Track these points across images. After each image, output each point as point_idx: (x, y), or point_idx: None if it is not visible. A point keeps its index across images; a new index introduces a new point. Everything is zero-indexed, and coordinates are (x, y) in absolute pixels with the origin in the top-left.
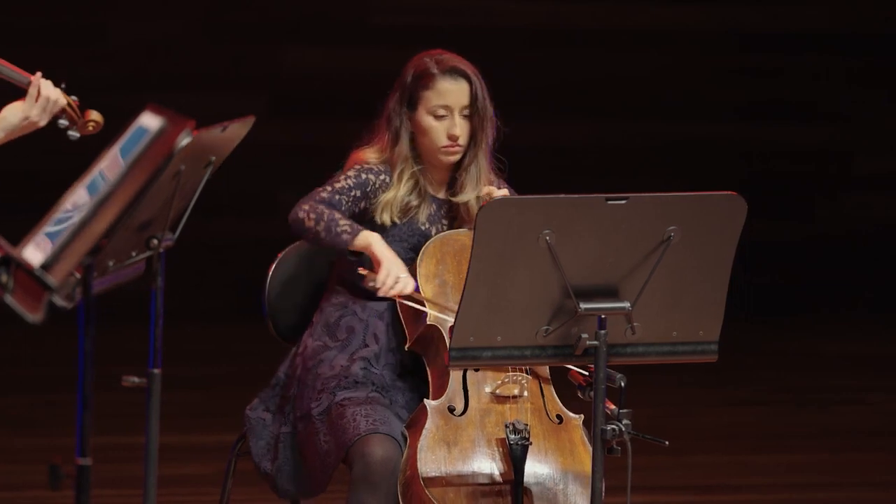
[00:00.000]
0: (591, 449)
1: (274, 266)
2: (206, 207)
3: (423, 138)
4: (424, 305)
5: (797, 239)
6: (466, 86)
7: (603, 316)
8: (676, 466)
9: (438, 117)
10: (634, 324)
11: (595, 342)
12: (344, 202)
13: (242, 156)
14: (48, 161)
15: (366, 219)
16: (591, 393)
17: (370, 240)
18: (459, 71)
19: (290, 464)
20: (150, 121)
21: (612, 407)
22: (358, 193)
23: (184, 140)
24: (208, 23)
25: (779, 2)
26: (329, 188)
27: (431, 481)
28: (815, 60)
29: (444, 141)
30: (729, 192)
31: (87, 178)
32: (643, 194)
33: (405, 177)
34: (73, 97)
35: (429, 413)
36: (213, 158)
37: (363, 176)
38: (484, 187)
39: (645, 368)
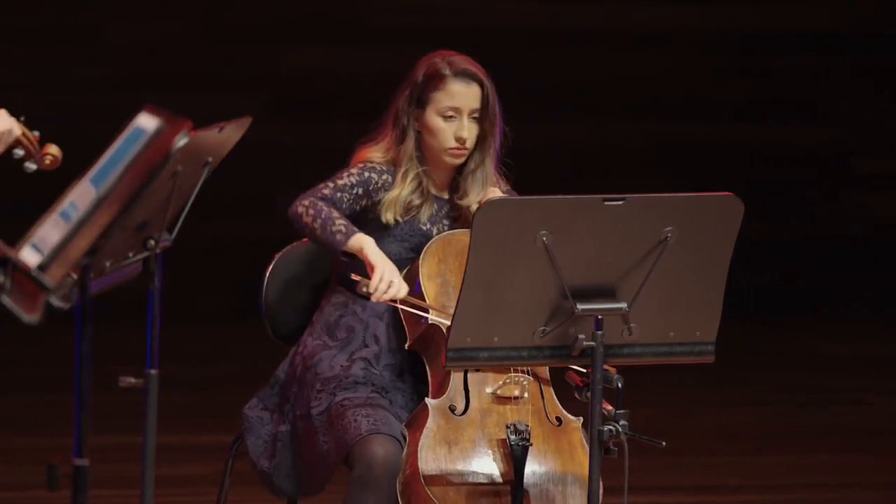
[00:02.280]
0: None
1: (271, 267)
2: (204, 208)
3: (431, 138)
4: (424, 308)
5: (797, 239)
6: (478, 89)
7: (600, 317)
8: (675, 467)
9: (447, 118)
10: (631, 324)
11: (592, 343)
12: (345, 200)
13: (241, 156)
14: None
15: (368, 217)
16: (589, 394)
17: (363, 242)
18: (471, 74)
19: (287, 463)
20: (146, 121)
21: (609, 408)
22: (360, 191)
23: (181, 141)
24: (207, 23)
25: (779, 2)
26: (332, 184)
27: (432, 480)
28: (815, 60)
29: (451, 143)
30: (726, 193)
31: (87, 178)
32: (640, 195)
33: (409, 176)
34: (35, 132)
35: (430, 412)
36: (211, 159)
37: (366, 174)
38: (489, 190)
39: (644, 368)
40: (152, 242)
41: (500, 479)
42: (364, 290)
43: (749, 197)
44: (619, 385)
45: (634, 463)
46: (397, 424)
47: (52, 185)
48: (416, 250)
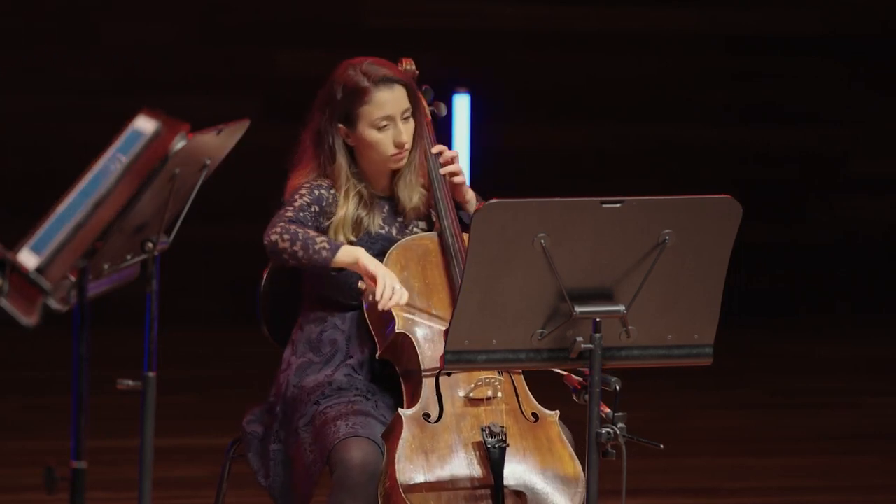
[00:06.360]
0: (569, 444)
1: (268, 269)
2: (201, 210)
3: (370, 152)
4: (424, 311)
5: (792, 241)
6: (402, 90)
7: (598, 319)
8: (671, 470)
9: (382, 129)
10: (629, 327)
11: (590, 345)
12: (309, 218)
13: (237, 159)
14: (48, 162)
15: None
16: (587, 396)
17: (356, 255)
18: (391, 78)
19: (279, 480)
20: (144, 124)
21: (607, 410)
22: (316, 208)
23: (179, 143)
24: (203, 25)
25: (774, 4)
26: (290, 208)
27: (412, 489)
28: (810, 63)
29: (392, 150)
30: (724, 196)
31: (85, 181)
32: (638, 197)
33: (351, 194)
34: None
35: (404, 422)
36: (208, 162)
37: (316, 192)
38: (435, 147)
39: (641, 371)
40: (150, 245)
41: (480, 483)
42: (371, 298)
43: (744, 199)
44: (617, 387)
45: (630, 466)
46: (378, 427)
47: (51, 188)
48: (381, 255)
